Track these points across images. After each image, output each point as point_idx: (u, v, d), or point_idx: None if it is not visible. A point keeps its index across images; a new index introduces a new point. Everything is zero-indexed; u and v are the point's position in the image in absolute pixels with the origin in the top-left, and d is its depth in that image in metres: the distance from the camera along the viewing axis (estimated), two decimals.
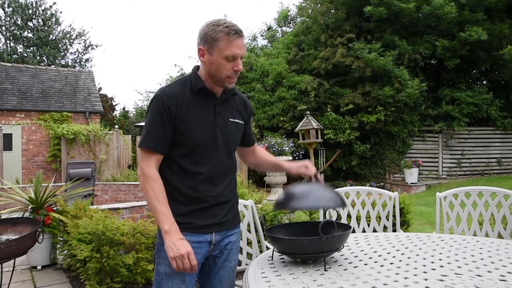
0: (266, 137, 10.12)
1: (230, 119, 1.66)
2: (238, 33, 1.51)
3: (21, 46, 23.25)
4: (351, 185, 11.59)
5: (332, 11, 13.83)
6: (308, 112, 10.72)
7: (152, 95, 1.65)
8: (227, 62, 1.52)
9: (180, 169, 1.57)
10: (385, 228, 2.82)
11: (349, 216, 2.92)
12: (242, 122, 1.74)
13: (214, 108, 1.62)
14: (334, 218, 1.64)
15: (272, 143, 7.67)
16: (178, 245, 1.45)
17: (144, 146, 1.54)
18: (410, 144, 12.39)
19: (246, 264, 2.46)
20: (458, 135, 12.31)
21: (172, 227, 1.48)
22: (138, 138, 13.73)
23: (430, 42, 11.95)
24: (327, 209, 1.55)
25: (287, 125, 12.47)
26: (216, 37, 1.50)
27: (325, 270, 1.52)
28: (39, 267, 4.17)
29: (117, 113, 22.74)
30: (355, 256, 1.73)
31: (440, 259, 1.64)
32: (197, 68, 1.65)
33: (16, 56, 22.64)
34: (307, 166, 1.71)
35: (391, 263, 1.60)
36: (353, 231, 2.77)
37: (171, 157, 1.58)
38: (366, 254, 1.76)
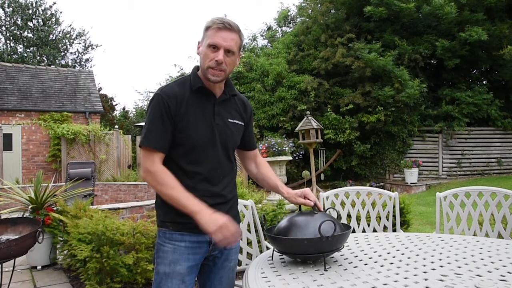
0: (266, 137, 10.12)
1: (229, 120, 1.66)
2: (226, 26, 1.53)
3: (21, 46, 23.26)
4: (351, 185, 11.58)
5: (332, 11, 13.83)
6: (308, 112, 10.71)
7: (152, 95, 1.64)
8: (210, 52, 1.53)
9: (179, 169, 1.56)
10: (385, 228, 2.82)
11: (349, 216, 2.92)
12: (242, 124, 1.72)
13: (213, 108, 1.61)
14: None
15: (272, 143, 7.65)
16: (214, 219, 1.43)
17: (146, 145, 1.52)
18: (410, 144, 12.39)
19: (246, 264, 2.46)
20: (458, 135, 12.31)
21: (200, 205, 1.46)
22: (138, 138, 13.73)
23: (430, 42, 11.95)
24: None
25: (287, 125, 12.47)
26: (206, 27, 1.56)
27: (325, 270, 1.52)
28: (39, 267, 4.17)
29: (117, 113, 22.74)
30: (355, 256, 1.72)
31: (440, 259, 1.64)
32: (197, 68, 1.65)
33: (16, 56, 22.66)
34: (307, 196, 1.70)
35: (391, 263, 1.60)
36: (353, 231, 2.77)
37: (169, 157, 1.57)
38: (366, 254, 1.76)
